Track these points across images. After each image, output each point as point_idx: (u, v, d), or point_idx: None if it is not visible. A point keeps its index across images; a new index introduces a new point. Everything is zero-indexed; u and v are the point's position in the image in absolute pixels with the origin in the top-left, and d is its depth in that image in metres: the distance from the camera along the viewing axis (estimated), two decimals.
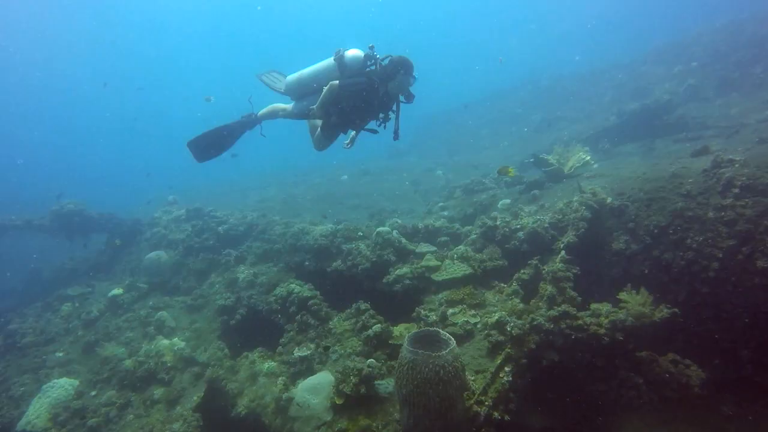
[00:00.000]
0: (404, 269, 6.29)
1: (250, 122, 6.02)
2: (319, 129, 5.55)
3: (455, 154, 17.85)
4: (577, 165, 7.95)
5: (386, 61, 5.18)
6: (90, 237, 10.92)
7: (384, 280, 6.38)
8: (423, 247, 6.64)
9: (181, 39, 61.74)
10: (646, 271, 6.06)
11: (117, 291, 8.72)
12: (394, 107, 5.39)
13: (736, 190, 5.64)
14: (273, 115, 5.94)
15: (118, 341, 7.83)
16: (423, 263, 6.35)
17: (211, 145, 5.86)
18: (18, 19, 44.82)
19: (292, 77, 5.59)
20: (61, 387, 6.78)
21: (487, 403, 4.75)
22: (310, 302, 6.60)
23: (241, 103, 6.29)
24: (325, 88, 5.03)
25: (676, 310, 5.14)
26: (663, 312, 5.11)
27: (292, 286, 6.90)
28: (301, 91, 5.59)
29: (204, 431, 5.91)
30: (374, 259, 6.59)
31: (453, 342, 4.35)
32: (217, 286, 8.17)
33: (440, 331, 4.66)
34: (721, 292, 5.55)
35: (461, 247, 6.39)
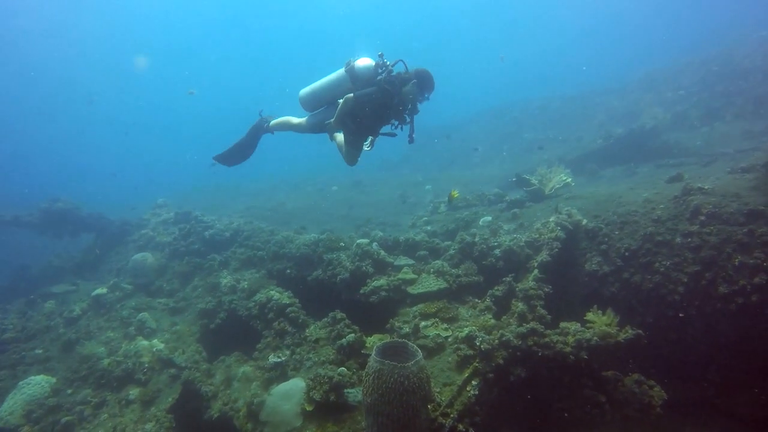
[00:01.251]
0: (381, 281, 6.43)
1: (263, 128, 6.11)
2: (345, 144, 5.56)
3: (446, 169, 18.09)
4: (558, 186, 8.16)
5: (397, 66, 5.21)
6: (79, 236, 10.99)
7: (361, 291, 6.52)
8: (401, 260, 6.79)
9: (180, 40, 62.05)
10: (617, 293, 6.24)
11: (100, 290, 8.80)
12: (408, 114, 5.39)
13: (703, 218, 5.84)
14: (284, 127, 5.97)
15: (98, 340, 7.89)
16: (400, 276, 6.49)
17: (234, 155, 6.09)
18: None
19: (305, 91, 5.62)
20: (37, 384, 6.83)
21: (452, 415, 4.88)
22: (289, 309, 6.72)
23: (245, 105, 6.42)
24: (341, 102, 5.12)
25: (640, 331, 5.29)
26: (627, 333, 5.27)
27: (272, 292, 7.02)
28: (315, 104, 5.64)
29: None
30: (353, 270, 6.73)
31: (420, 354, 4.50)
32: (199, 289, 8.27)
33: (408, 342, 4.81)
34: (685, 316, 5.72)
35: (438, 262, 6.54)
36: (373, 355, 4.48)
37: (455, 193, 7.34)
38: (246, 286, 7.65)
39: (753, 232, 5.40)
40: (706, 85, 14.64)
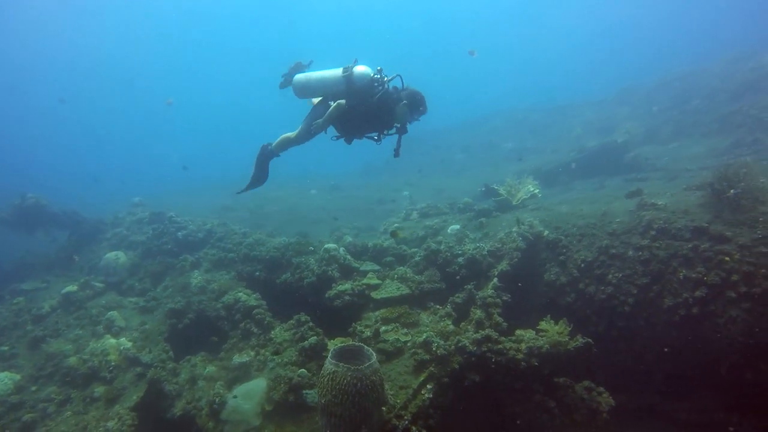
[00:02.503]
0: (346, 285, 6.60)
1: (268, 153, 6.08)
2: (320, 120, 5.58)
3: (428, 175, 18.35)
4: (525, 197, 8.41)
5: (394, 82, 5.31)
6: (52, 233, 10.96)
7: (326, 295, 6.67)
8: (367, 266, 6.96)
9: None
10: (572, 302, 6.49)
11: (71, 288, 8.81)
12: (397, 127, 5.50)
13: (653, 232, 6.12)
14: (285, 145, 5.98)
15: (66, 338, 7.91)
16: (365, 281, 6.67)
17: (253, 186, 6.15)
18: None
19: (300, 77, 5.66)
20: (0, 381, 6.84)
21: (406, 417, 5.05)
22: (255, 311, 6.85)
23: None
24: (333, 106, 5.22)
25: (589, 340, 5.54)
26: (578, 342, 5.52)
27: (240, 294, 7.14)
28: (305, 93, 5.70)
29: (139, 431, 6.05)
30: (319, 274, 6.89)
31: (374, 358, 4.69)
32: (170, 289, 8.33)
33: (364, 346, 4.99)
34: (634, 326, 5.99)
35: (401, 268, 6.73)
36: (328, 357, 4.65)
37: (399, 234, 7.58)
38: (216, 287, 7.76)
39: (697, 248, 5.69)
40: (678, 102, 15.13)
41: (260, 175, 6.07)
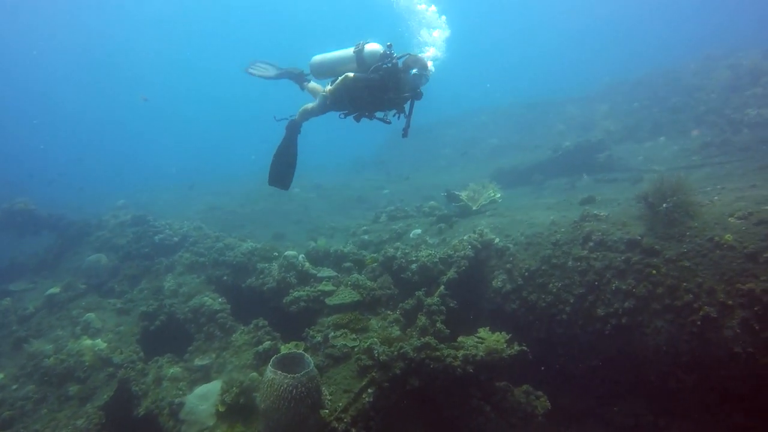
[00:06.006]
0: (302, 292, 6.95)
1: (294, 129, 6.38)
2: (317, 104, 5.89)
3: (415, 171, 18.55)
4: (485, 202, 8.67)
5: (402, 59, 5.46)
6: (41, 234, 11.44)
7: (284, 300, 7.03)
8: (324, 272, 7.30)
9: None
10: (517, 309, 6.77)
11: (54, 290, 9.27)
12: (407, 105, 5.69)
13: (591, 244, 6.37)
14: (306, 116, 6.27)
15: (47, 338, 8.38)
16: (320, 287, 7.01)
17: (282, 170, 6.45)
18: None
19: (317, 57, 5.94)
20: None
21: (346, 419, 5.41)
22: (218, 315, 7.24)
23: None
24: (340, 77, 5.43)
25: (525, 348, 5.82)
26: (513, 349, 5.81)
27: (205, 298, 7.53)
28: (322, 72, 5.97)
29: (105, 429, 6.50)
30: (279, 280, 7.25)
31: (311, 365, 5.07)
32: (145, 292, 8.75)
33: (305, 354, 5.36)
34: (571, 334, 6.28)
35: (355, 275, 7.07)
36: (269, 365, 5.04)
37: (370, 261, 7.84)
38: (186, 290, 8.15)
39: (629, 260, 5.94)
40: (657, 99, 15.17)
41: (289, 152, 6.27)
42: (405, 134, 5.77)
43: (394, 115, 5.78)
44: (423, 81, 5.49)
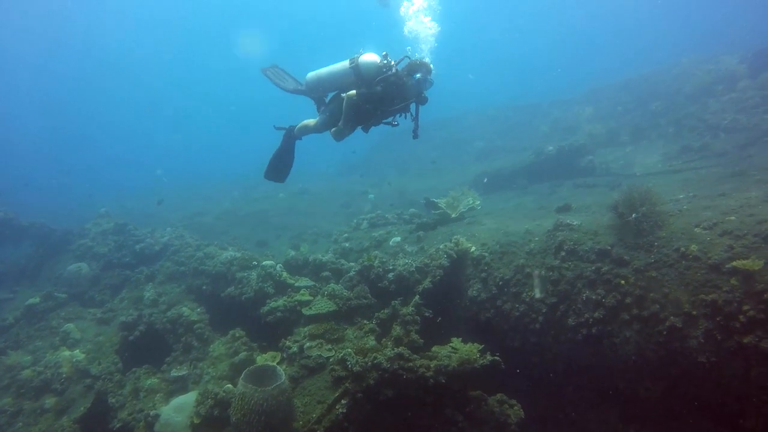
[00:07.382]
0: (279, 302, 6.98)
1: (291, 139, 6.44)
2: (341, 123, 5.77)
3: (402, 175, 18.62)
4: (464, 210, 8.73)
5: (402, 64, 5.45)
6: (21, 243, 11.36)
7: (261, 311, 7.06)
8: (301, 282, 7.33)
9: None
10: (491, 318, 6.84)
11: (33, 300, 9.22)
12: (413, 108, 5.65)
13: (563, 253, 6.45)
14: (305, 131, 6.29)
15: (25, 350, 8.34)
16: (297, 297, 7.04)
17: (279, 167, 6.52)
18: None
19: (311, 75, 5.90)
20: None
21: (319, 430, 5.47)
22: (196, 326, 7.25)
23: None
24: (345, 101, 5.44)
25: (497, 358, 5.88)
26: (485, 359, 5.87)
27: (183, 309, 7.54)
28: (318, 88, 5.95)
29: None
30: (257, 290, 7.27)
31: (282, 378, 5.12)
32: (126, 301, 8.74)
33: (277, 367, 5.40)
34: (544, 342, 6.36)
35: (331, 285, 7.10)
36: (240, 379, 5.09)
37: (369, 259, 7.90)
38: (166, 300, 8.16)
39: (599, 270, 6.02)
40: (640, 103, 15.33)
41: (287, 158, 6.41)
42: (415, 135, 5.83)
43: (400, 116, 5.80)
44: (427, 85, 5.51)
